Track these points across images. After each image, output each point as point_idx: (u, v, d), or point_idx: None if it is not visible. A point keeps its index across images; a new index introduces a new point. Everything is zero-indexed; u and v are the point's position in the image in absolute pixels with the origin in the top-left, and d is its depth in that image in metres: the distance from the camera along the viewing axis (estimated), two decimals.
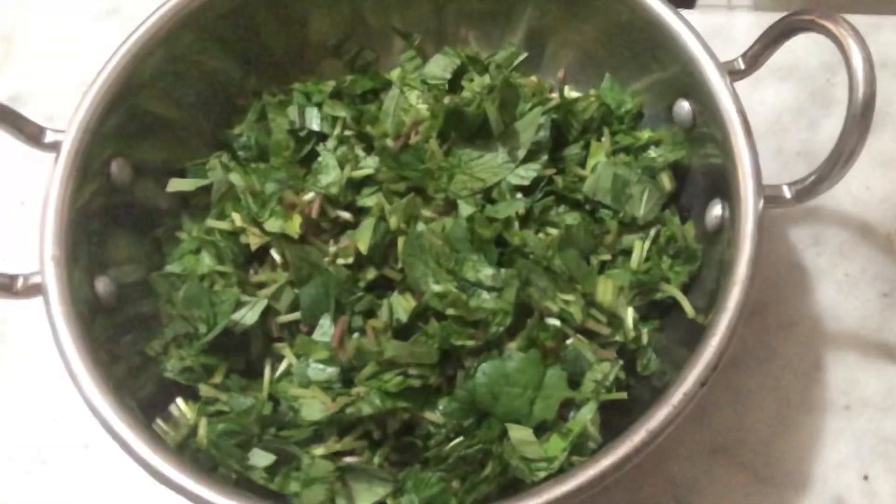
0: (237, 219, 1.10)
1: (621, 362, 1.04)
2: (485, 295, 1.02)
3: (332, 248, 1.08)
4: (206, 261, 1.09)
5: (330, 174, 1.12)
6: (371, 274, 1.08)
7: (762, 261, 0.95)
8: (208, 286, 1.08)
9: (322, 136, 1.16)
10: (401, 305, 1.03)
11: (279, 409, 1.03)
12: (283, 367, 1.05)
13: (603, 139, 1.15)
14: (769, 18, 1.03)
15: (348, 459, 1.01)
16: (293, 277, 1.07)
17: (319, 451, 1.00)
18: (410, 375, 1.00)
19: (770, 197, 0.99)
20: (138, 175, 1.11)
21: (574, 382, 1.02)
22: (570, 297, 1.03)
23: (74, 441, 1.13)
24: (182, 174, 1.15)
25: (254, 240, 1.09)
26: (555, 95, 1.17)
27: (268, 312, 1.07)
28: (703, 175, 1.10)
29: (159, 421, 1.01)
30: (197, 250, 1.11)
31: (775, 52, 1.03)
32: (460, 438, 1.00)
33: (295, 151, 1.15)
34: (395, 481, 0.99)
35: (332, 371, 1.02)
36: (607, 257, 1.10)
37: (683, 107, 1.10)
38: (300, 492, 0.98)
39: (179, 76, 1.14)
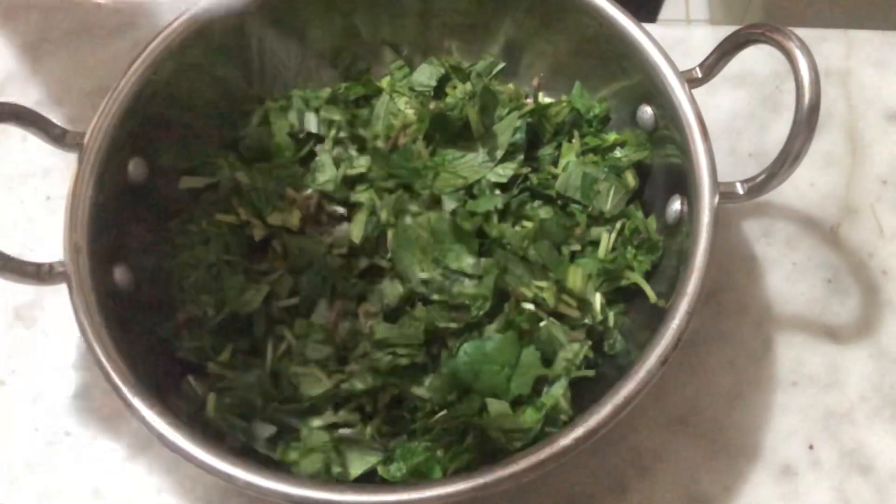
0: (242, 213, 1.10)
1: (590, 343, 1.04)
2: (466, 282, 1.02)
3: (328, 240, 1.08)
4: (215, 251, 1.09)
5: (326, 172, 1.12)
6: (363, 263, 1.08)
7: (717, 251, 0.96)
8: (216, 274, 1.08)
9: (319, 138, 1.16)
10: (390, 291, 1.04)
11: (280, 385, 1.03)
12: (284, 346, 1.05)
13: (573, 141, 1.15)
14: (724, 31, 1.03)
15: (343, 431, 1.01)
16: (293, 266, 1.07)
17: (317, 422, 1.00)
18: (399, 354, 1.00)
19: (724, 193, 0.99)
20: (153, 173, 1.10)
21: (547, 361, 1.02)
22: (543, 284, 1.03)
23: (95, 414, 1.13)
24: (193, 172, 1.15)
25: (257, 232, 1.09)
26: (530, 101, 1.17)
27: (270, 297, 1.06)
28: (664, 173, 1.10)
29: (172, 396, 1.01)
30: (206, 241, 1.10)
31: (729, 62, 1.03)
32: (444, 412, 1.00)
33: (295, 152, 1.15)
34: (385, 450, 0.99)
35: (328, 350, 1.02)
36: (577, 248, 1.10)
37: (646, 111, 1.10)
38: (299, 460, 0.98)
39: (190, 84, 1.13)
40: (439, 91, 1.20)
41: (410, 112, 1.16)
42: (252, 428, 1.00)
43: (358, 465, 0.98)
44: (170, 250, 1.11)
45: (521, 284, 1.03)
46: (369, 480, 0.98)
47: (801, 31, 0.94)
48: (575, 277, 1.05)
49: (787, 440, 1.10)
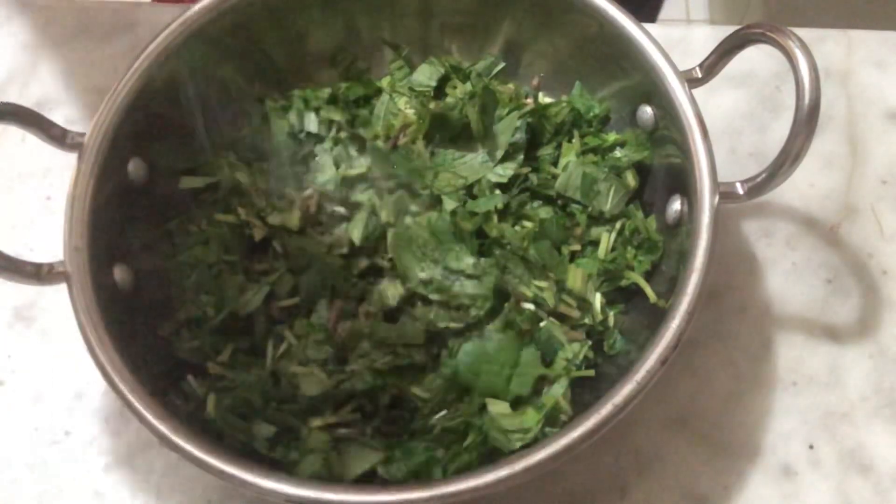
0: (242, 213, 1.10)
1: (590, 343, 1.05)
2: (466, 282, 1.02)
3: (328, 240, 1.08)
4: (215, 251, 1.09)
5: (326, 172, 1.12)
6: (363, 263, 1.08)
7: (717, 251, 0.96)
8: (216, 274, 1.08)
9: (319, 138, 1.16)
10: (390, 291, 1.04)
11: (280, 385, 1.03)
12: (284, 346, 1.05)
13: (573, 141, 1.15)
14: (724, 31, 1.03)
15: (342, 431, 1.01)
16: (293, 266, 1.07)
17: (316, 422, 1.00)
18: (399, 354, 1.00)
19: (724, 193, 0.99)
20: (153, 173, 1.10)
21: (547, 361, 1.02)
22: (543, 284, 1.04)
23: (95, 414, 1.13)
24: (193, 172, 1.15)
25: (257, 232, 1.09)
26: (530, 101, 1.17)
27: (270, 297, 1.07)
28: (664, 173, 1.10)
29: (172, 395, 1.01)
30: (206, 241, 1.10)
31: (729, 62, 1.03)
32: (444, 412, 1.00)
33: (295, 152, 1.15)
34: (385, 450, 0.99)
35: (328, 350, 1.03)
36: (577, 248, 1.10)
37: (646, 111, 1.10)
38: (299, 460, 0.98)
39: (190, 84, 1.13)
40: (439, 91, 1.21)
41: (410, 112, 1.16)
42: (252, 428, 1.00)
43: (357, 465, 0.98)
44: (170, 250, 1.11)
45: (521, 284, 1.03)
46: (369, 480, 0.98)
47: (801, 31, 0.94)
48: (575, 277, 1.05)
49: (787, 440, 1.10)
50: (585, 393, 1.00)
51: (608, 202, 1.11)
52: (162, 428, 0.90)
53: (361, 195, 1.11)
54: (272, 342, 1.07)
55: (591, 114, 1.17)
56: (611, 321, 1.07)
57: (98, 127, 1.03)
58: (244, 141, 1.17)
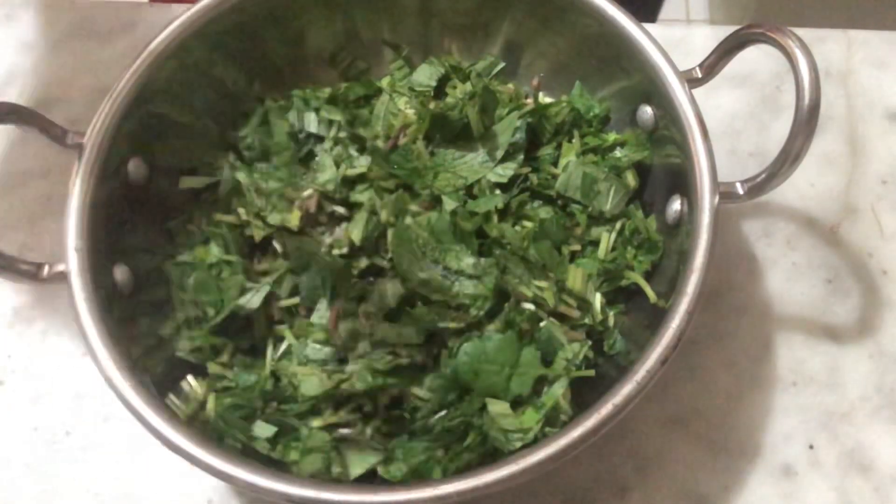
0: (242, 213, 1.10)
1: (590, 343, 1.04)
2: (466, 282, 1.02)
3: (329, 240, 1.08)
4: (215, 251, 1.09)
5: (326, 172, 1.11)
6: (363, 263, 1.07)
7: (717, 251, 0.96)
8: (216, 274, 1.08)
9: (319, 138, 1.16)
10: (390, 291, 1.03)
11: (280, 385, 1.03)
12: (283, 347, 1.05)
13: (573, 141, 1.15)
14: (724, 31, 1.03)
15: (343, 431, 1.01)
16: (293, 266, 1.07)
17: (316, 423, 1.00)
18: (399, 354, 1.00)
19: (724, 193, 0.99)
20: (153, 173, 1.10)
21: (547, 361, 1.02)
22: (543, 284, 1.03)
23: (95, 414, 1.13)
24: (193, 172, 1.15)
25: (257, 232, 1.09)
26: (530, 101, 1.17)
27: (270, 297, 1.06)
28: (664, 173, 1.10)
29: (171, 396, 1.01)
30: (206, 241, 1.10)
31: (729, 62, 1.03)
32: (444, 412, 1.00)
33: (295, 152, 1.15)
34: (385, 450, 0.99)
35: (328, 351, 1.02)
36: (577, 248, 1.10)
37: (646, 111, 1.10)
38: (299, 460, 0.97)
39: (190, 84, 1.13)
40: (439, 91, 1.20)
41: (410, 112, 1.16)
42: (252, 428, 0.99)
43: (358, 465, 0.98)
44: (170, 250, 1.11)
45: (521, 284, 1.03)
46: (369, 480, 0.98)
47: (801, 31, 0.94)
48: (575, 277, 1.05)
49: (787, 440, 1.10)
50: (585, 393, 1.00)
51: (608, 202, 1.11)
52: (162, 429, 0.90)
53: (361, 195, 1.10)
54: (272, 342, 1.07)
55: (591, 114, 1.17)
56: (611, 321, 1.07)
57: (98, 127, 1.03)
58: (244, 141, 1.17)
